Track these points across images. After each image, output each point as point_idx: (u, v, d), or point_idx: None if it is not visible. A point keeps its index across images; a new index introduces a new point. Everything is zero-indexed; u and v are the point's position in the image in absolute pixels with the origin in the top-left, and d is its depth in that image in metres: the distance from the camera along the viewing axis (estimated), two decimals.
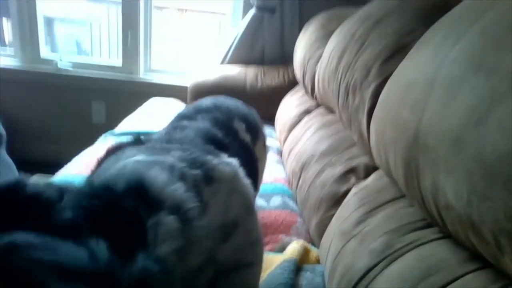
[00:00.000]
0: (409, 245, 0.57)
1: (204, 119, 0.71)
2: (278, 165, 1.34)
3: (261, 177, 0.91)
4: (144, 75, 2.32)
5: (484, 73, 0.42)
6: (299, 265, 0.78)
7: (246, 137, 0.76)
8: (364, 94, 0.84)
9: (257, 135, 0.84)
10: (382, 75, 0.79)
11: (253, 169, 0.76)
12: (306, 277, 0.75)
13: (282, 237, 0.91)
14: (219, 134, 0.67)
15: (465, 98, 0.42)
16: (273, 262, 0.77)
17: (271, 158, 1.34)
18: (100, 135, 1.46)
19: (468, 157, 0.40)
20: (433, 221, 0.55)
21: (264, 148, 0.91)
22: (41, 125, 2.32)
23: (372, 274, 0.57)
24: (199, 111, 0.75)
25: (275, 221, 0.96)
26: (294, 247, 0.83)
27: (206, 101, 0.82)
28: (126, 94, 2.26)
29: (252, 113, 0.88)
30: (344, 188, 0.85)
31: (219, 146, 0.62)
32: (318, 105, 1.38)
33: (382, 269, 0.56)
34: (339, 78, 0.98)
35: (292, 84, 1.94)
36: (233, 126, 0.74)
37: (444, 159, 0.45)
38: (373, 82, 0.81)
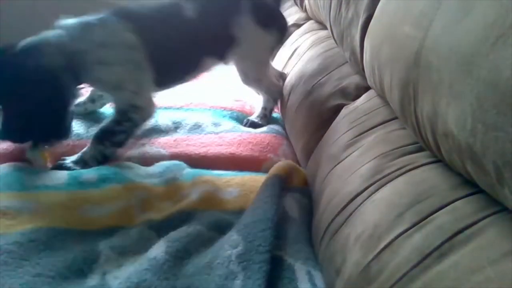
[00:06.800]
0: (399, 170, 0.55)
1: None
2: None
3: None
4: None
5: None
6: (287, 186, 0.77)
7: None
8: (358, 5, 0.76)
9: None
10: None
11: None
12: (294, 197, 0.74)
13: (271, 156, 0.90)
14: None
15: (483, 12, 0.37)
16: (258, 183, 0.76)
17: None
18: None
19: (479, 81, 0.35)
20: (427, 147, 0.52)
21: None
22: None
23: (359, 199, 0.56)
24: None
25: (261, 142, 0.95)
26: (280, 165, 0.81)
27: None
28: None
29: None
30: (332, 109, 0.81)
31: None
32: (308, 18, 1.28)
33: (370, 195, 0.55)
34: None
35: None
36: None
37: (449, 83, 0.40)
38: None
